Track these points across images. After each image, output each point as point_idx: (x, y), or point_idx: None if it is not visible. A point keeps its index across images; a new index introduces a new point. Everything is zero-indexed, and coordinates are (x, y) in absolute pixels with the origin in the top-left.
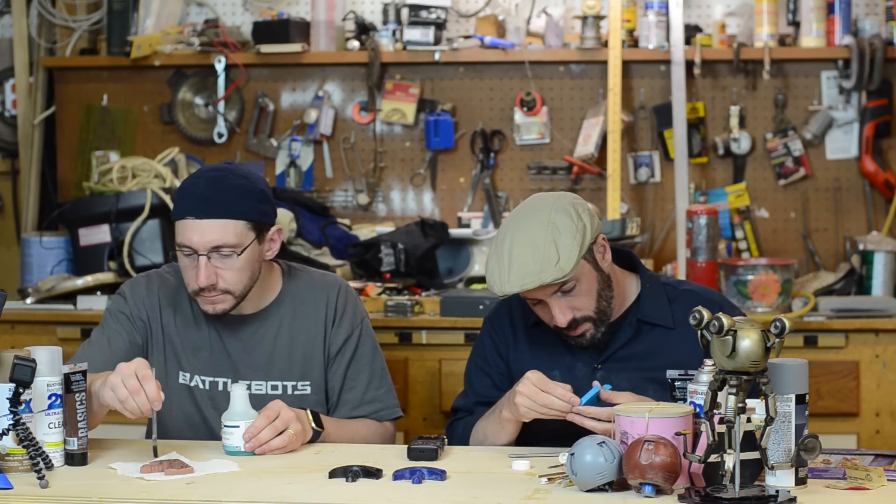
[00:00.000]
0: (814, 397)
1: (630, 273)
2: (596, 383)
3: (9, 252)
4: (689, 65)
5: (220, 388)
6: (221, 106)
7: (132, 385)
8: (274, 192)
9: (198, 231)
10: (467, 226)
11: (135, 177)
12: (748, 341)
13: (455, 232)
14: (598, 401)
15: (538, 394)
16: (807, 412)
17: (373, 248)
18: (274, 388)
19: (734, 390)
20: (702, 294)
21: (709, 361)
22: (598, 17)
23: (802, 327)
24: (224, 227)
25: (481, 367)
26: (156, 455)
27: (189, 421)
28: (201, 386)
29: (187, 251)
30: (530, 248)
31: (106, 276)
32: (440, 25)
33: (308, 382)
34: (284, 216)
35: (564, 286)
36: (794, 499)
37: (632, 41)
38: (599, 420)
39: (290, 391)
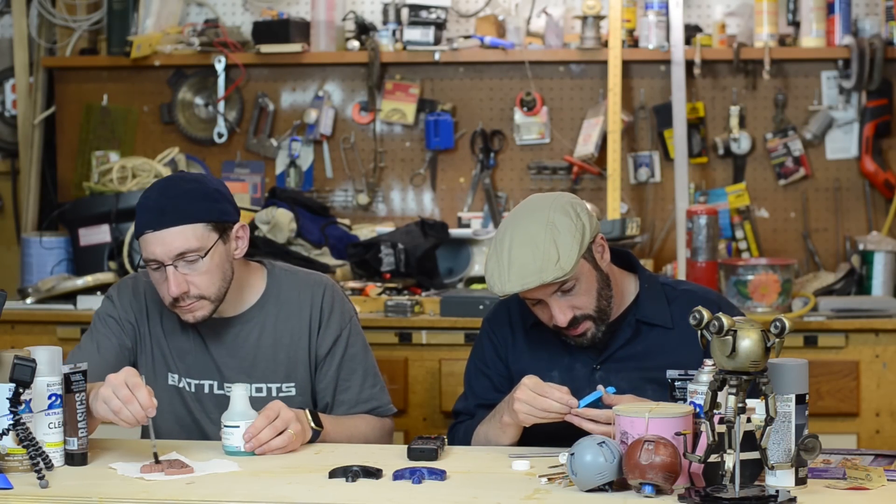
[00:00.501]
0: (814, 397)
1: (628, 273)
2: (600, 387)
3: (9, 252)
4: (689, 65)
5: (206, 390)
6: (221, 106)
7: (124, 394)
8: (273, 192)
9: (158, 242)
10: (467, 226)
11: (135, 177)
12: (748, 341)
13: (455, 232)
14: (600, 404)
15: (536, 398)
16: (807, 412)
17: (373, 248)
18: (258, 390)
19: (734, 390)
20: (700, 294)
21: (709, 361)
22: (598, 17)
23: (802, 327)
24: (182, 232)
25: (480, 368)
26: (157, 460)
27: (180, 422)
28: (188, 388)
29: (154, 265)
30: (530, 248)
31: (106, 276)
32: (440, 25)
33: (293, 384)
34: (284, 216)
35: (564, 285)
36: (794, 499)
37: (632, 41)
38: (598, 422)
39: (274, 393)
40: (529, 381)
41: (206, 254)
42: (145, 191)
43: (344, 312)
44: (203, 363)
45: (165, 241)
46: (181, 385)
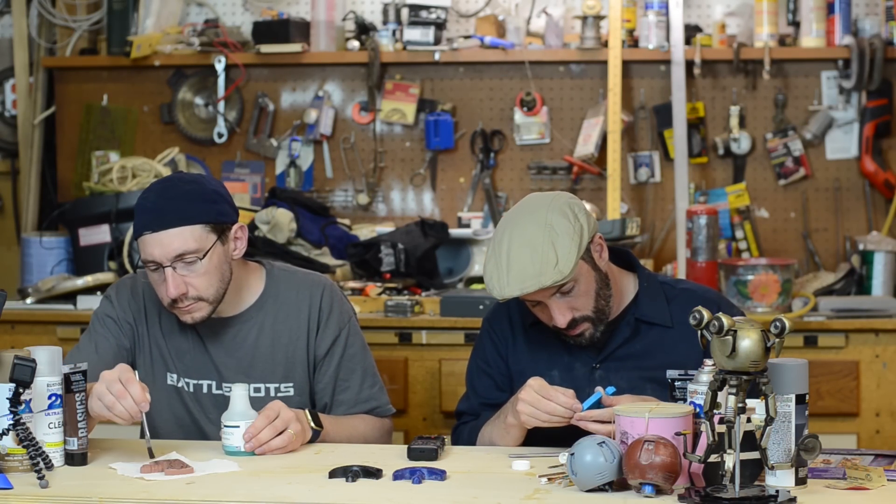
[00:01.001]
0: (814, 397)
1: (628, 272)
2: (599, 389)
3: (9, 252)
4: (689, 65)
5: (205, 390)
6: (221, 106)
7: (117, 390)
8: (273, 192)
9: (157, 244)
10: (467, 226)
11: (135, 177)
12: (748, 341)
13: (455, 232)
14: (599, 406)
15: (540, 401)
16: (807, 412)
17: (373, 248)
18: (256, 389)
19: (734, 390)
20: (700, 293)
21: (709, 361)
22: (598, 17)
23: (802, 327)
24: (181, 234)
25: (482, 368)
26: (151, 456)
27: (179, 422)
28: (187, 388)
29: (153, 266)
30: (528, 251)
31: (106, 276)
32: (440, 25)
33: (291, 384)
34: (284, 216)
35: (563, 287)
36: (794, 499)
37: (632, 41)
38: (602, 422)
39: (272, 393)
40: (535, 383)
41: (204, 255)
42: (143, 192)
43: (343, 313)
44: (201, 363)
45: (164, 243)
46: (180, 385)
